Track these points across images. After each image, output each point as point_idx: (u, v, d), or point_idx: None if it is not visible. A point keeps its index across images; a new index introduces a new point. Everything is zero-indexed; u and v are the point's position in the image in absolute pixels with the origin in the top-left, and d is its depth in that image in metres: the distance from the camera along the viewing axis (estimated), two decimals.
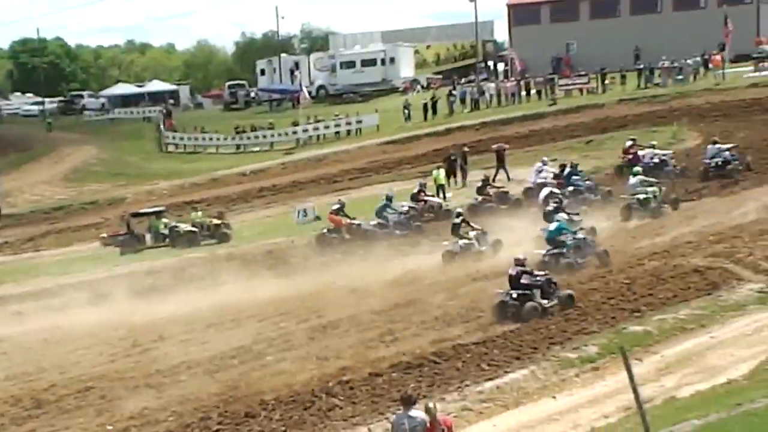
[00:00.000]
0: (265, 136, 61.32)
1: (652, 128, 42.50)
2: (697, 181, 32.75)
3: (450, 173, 38.68)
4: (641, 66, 56.43)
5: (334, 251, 30.73)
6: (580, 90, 55.61)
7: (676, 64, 54.49)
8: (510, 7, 71.30)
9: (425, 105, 58.14)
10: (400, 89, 68.82)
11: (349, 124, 59.25)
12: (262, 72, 78.53)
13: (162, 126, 67.93)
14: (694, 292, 20.22)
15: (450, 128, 52.78)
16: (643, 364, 16.61)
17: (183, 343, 22.25)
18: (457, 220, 28.62)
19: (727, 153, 33.23)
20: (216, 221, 36.73)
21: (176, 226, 36.77)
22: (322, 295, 24.81)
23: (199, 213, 37.87)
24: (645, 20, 65.66)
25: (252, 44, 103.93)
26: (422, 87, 68.99)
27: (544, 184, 32.83)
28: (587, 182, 33.17)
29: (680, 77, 53.75)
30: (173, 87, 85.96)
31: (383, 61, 71.89)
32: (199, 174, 55.32)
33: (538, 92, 56.84)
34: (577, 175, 33.31)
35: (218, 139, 63.77)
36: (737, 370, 15.42)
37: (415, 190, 35.01)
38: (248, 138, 61.91)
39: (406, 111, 58.30)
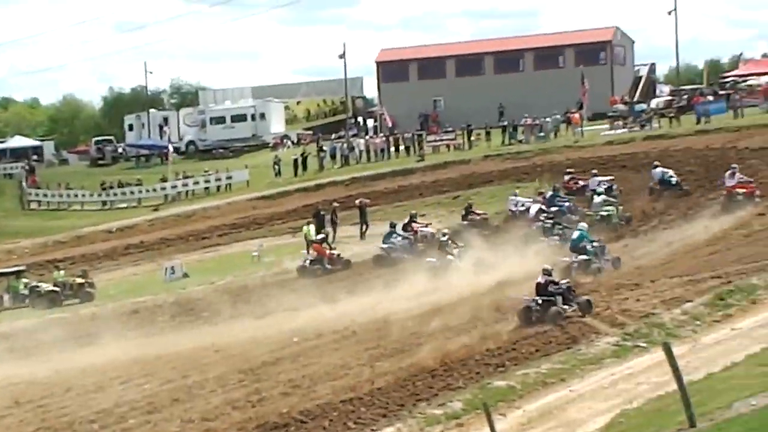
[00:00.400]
0: (132, 192, 60.74)
1: (516, 184, 43.29)
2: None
3: (319, 229, 38.83)
4: (505, 123, 57.71)
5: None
6: (447, 146, 56.40)
7: (537, 122, 56.43)
8: (379, 64, 72.74)
9: (295, 161, 58.24)
10: (271, 145, 68.70)
11: (218, 179, 59.17)
12: (131, 127, 77.60)
13: (24, 183, 66.50)
14: (555, 347, 20.51)
15: (320, 184, 52.87)
16: (507, 419, 16.73)
17: (40, 408, 21.48)
18: (444, 239, 32.46)
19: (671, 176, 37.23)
20: (79, 280, 36.70)
21: (37, 286, 36.94)
22: (189, 354, 24.44)
23: (62, 272, 37.45)
24: (508, 78, 67.68)
25: (120, 99, 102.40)
26: (292, 143, 69.27)
27: (528, 207, 36.55)
28: (567, 204, 36.78)
29: (542, 134, 55.62)
30: (37, 142, 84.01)
31: (253, 117, 72.03)
32: (63, 231, 54.30)
33: (407, 148, 57.47)
34: (558, 197, 37.18)
35: (84, 195, 62.59)
36: (595, 423, 15.57)
37: (406, 221, 36.90)
38: (115, 194, 61.11)
39: (277, 167, 58.51)
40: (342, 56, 62.39)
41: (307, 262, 34.58)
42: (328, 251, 34.89)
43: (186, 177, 60.47)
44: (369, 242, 38.27)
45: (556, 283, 23.65)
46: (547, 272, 23.95)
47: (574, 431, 15.80)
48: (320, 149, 59.63)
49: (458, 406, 17.63)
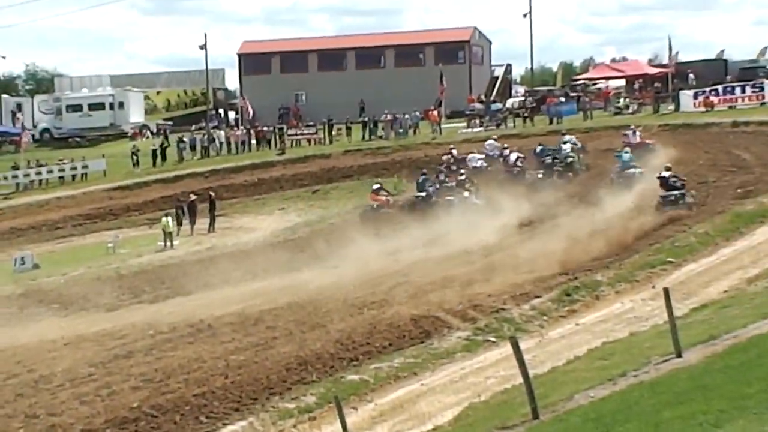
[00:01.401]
0: None
1: (376, 179, 43.87)
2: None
3: (179, 221, 38.94)
4: (366, 118, 57.65)
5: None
6: (308, 140, 56.10)
7: (397, 118, 57.04)
8: (241, 56, 71.51)
9: (154, 151, 57.12)
10: (129, 134, 67.18)
11: (74, 168, 57.08)
12: None
13: None
14: (408, 341, 20.63)
15: (180, 175, 52.11)
16: (358, 412, 16.86)
17: None
18: (462, 177, 37.59)
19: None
20: None
21: None
22: (37, 346, 23.60)
23: None
24: (369, 74, 67.40)
25: None
26: (152, 133, 67.83)
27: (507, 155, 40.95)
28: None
29: (401, 130, 56.09)
30: None
31: (112, 106, 69.83)
32: None
33: (268, 141, 56.92)
34: (547, 152, 40.86)
35: None
36: (444, 416, 15.69)
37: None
38: None
39: (135, 157, 56.84)
40: (203, 47, 61.03)
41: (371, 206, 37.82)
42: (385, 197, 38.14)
43: (40, 165, 57.87)
44: (223, 236, 38.70)
45: (678, 177, 29.17)
46: (668, 168, 29.48)
47: (423, 424, 15.92)
48: (180, 140, 58.31)
49: (311, 400, 17.65)
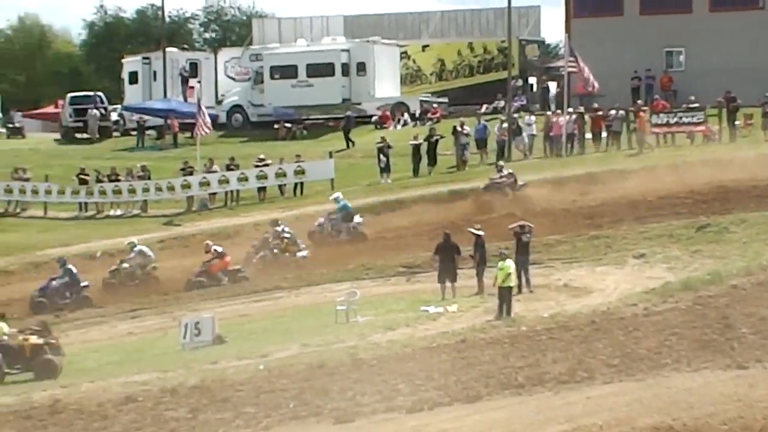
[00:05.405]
0: (132, 190, 61.01)
1: None
2: None
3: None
4: None
5: None
6: (688, 134, 58.09)
7: None
8: None
9: (416, 148, 58.05)
10: (374, 119, 69.14)
11: (282, 175, 59.19)
12: (133, 77, 78.17)
13: None
14: None
15: (457, 191, 54.01)
16: None
17: None
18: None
19: None
20: (36, 340, 35.96)
21: None
22: None
23: (4, 324, 36.80)
24: None
25: (115, 27, 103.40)
26: (412, 117, 68.67)
27: None
28: None
29: None
30: None
31: (345, 68, 71.74)
32: (11, 253, 54.93)
33: (617, 135, 58.02)
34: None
35: (49, 192, 62.77)
36: None
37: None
38: (102, 191, 61.41)
39: (383, 157, 57.98)
40: None
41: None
42: None
43: (228, 168, 60.12)
44: (530, 300, 39.62)
45: None
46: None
47: None
48: (457, 130, 58.83)
49: None
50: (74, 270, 47.28)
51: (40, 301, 47.06)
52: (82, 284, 46.91)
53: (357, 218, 50.48)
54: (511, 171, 52.56)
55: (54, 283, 47.34)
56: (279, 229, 48.71)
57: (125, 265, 49.23)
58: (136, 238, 50.71)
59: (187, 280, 48.04)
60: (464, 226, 44.21)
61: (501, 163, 53.65)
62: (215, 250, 47.15)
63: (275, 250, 48.45)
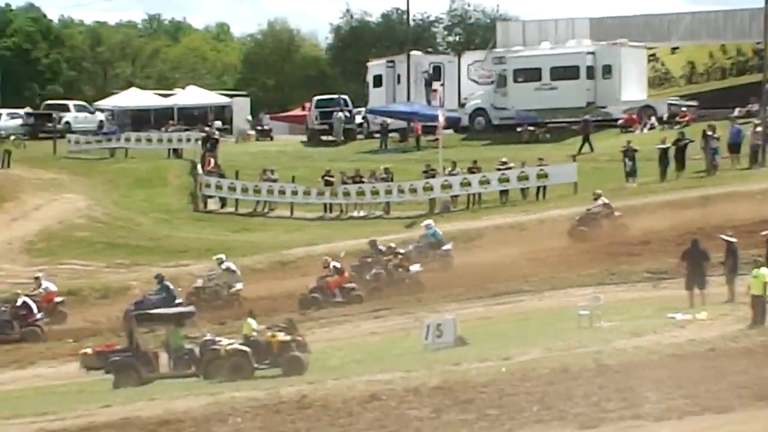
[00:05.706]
0: (375, 192, 62.12)
1: None
2: None
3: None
4: None
5: None
6: None
7: None
8: None
9: (663, 152, 57.65)
10: (620, 122, 68.73)
11: (525, 178, 59.25)
12: (377, 80, 79.32)
13: (201, 166, 68.28)
14: None
15: (710, 195, 53.66)
16: None
17: None
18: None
19: None
20: (282, 337, 36.90)
21: (212, 342, 36.56)
22: None
23: (253, 321, 37.59)
24: None
25: (360, 30, 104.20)
26: (660, 120, 67.81)
27: None
28: None
29: None
30: (223, 99, 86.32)
31: (591, 71, 71.48)
32: (259, 252, 56.33)
33: None
34: None
35: (295, 192, 64.51)
36: None
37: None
38: (347, 193, 62.71)
39: (629, 161, 57.52)
40: None
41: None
42: None
43: (470, 171, 60.38)
44: None
45: None
46: None
47: None
48: (707, 134, 58.12)
49: None
50: (171, 286, 48.07)
51: None
52: (178, 301, 47.14)
53: (447, 245, 51.19)
54: (607, 201, 51.93)
55: (151, 297, 47.74)
56: (384, 247, 50.86)
57: (211, 283, 49.91)
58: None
59: (301, 295, 49.05)
60: (714, 233, 43.94)
61: (598, 191, 52.54)
62: (334, 266, 47.51)
63: (389, 266, 48.73)
